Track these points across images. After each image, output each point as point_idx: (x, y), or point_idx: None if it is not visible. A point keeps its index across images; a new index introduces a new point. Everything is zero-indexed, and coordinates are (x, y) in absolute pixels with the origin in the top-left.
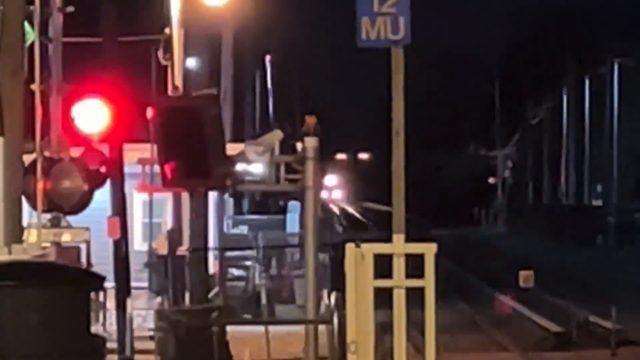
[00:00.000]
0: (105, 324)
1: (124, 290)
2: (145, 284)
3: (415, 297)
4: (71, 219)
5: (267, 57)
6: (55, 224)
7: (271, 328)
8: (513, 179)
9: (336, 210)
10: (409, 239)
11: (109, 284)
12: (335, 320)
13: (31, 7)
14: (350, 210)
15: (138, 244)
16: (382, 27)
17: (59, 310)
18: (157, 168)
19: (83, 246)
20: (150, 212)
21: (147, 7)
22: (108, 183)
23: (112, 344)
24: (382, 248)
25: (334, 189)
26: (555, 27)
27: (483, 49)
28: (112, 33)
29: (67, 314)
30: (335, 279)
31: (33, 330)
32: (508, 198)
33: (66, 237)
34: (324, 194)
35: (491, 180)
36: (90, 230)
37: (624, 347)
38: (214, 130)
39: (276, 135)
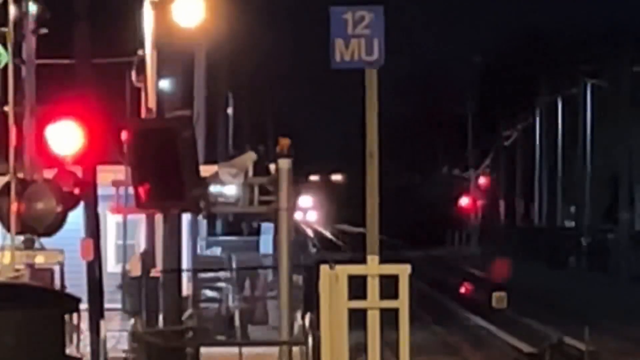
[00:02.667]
0: (79, 346)
1: (97, 312)
2: (119, 305)
3: (389, 318)
4: (45, 240)
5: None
6: (28, 246)
7: (245, 349)
8: (486, 200)
9: (310, 232)
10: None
11: (83, 305)
12: (310, 341)
13: (4, 29)
14: (324, 232)
15: (111, 265)
16: (356, 48)
17: (35, 332)
18: (130, 190)
19: (56, 268)
20: (125, 233)
21: (120, 29)
22: (81, 205)
23: None
24: (357, 269)
25: (308, 210)
26: (528, 49)
27: (456, 71)
28: (85, 55)
29: (42, 335)
30: (308, 300)
31: (9, 351)
32: (481, 219)
33: (40, 259)
34: (298, 216)
35: (464, 201)
36: (64, 252)
37: None
38: (188, 152)
39: (249, 157)
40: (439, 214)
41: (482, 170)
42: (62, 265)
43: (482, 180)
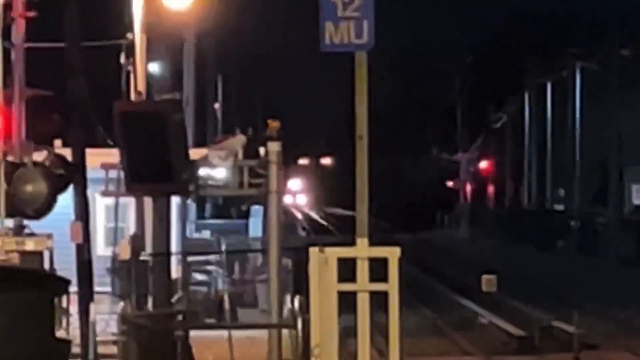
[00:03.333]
0: (68, 329)
1: (87, 295)
2: (109, 289)
3: (379, 301)
4: (34, 223)
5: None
6: (18, 232)
7: (234, 332)
8: (475, 183)
9: (299, 215)
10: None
11: (72, 288)
12: (299, 324)
13: None
14: (314, 215)
15: (101, 248)
16: (345, 31)
17: (24, 314)
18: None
19: (46, 251)
20: (116, 216)
21: (110, 12)
22: (71, 188)
23: (75, 349)
24: (346, 252)
25: (298, 194)
26: (518, 31)
27: (446, 54)
28: (75, 39)
29: (32, 317)
30: (298, 283)
31: None
32: (470, 202)
33: (29, 246)
34: (288, 199)
35: (450, 184)
36: (53, 238)
37: (586, 351)
38: (177, 135)
39: (239, 140)
40: (428, 197)
41: (472, 153)
42: (51, 250)
43: (472, 164)
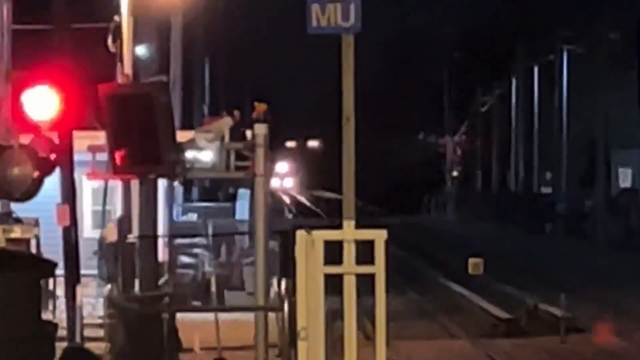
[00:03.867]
0: (54, 312)
1: (73, 278)
2: (95, 272)
3: (365, 285)
4: (20, 206)
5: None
6: (4, 220)
7: (221, 315)
8: (462, 166)
9: (286, 198)
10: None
11: (59, 271)
12: (286, 307)
13: None
14: (301, 198)
15: (88, 231)
16: (332, 13)
17: (10, 296)
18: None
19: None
20: (105, 199)
21: None
22: (58, 170)
23: (61, 332)
24: (333, 235)
25: (285, 177)
26: (505, 14)
27: (433, 36)
28: (63, 20)
29: (18, 299)
30: (285, 266)
31: None
32: (457, 186)
33: (16, 234)
34: (275, 182)
35: (437, 167)
36: (39, 224)
37: (573, 334)
38: (164, 118)
39: (225, 123)
40: (416, 180)
41: (459, 137)
42: (37, 236)
43: (458, 147)
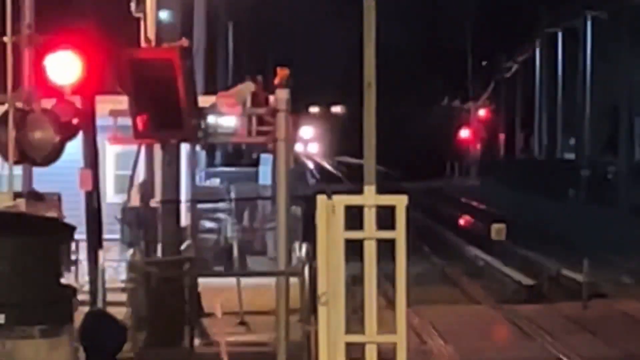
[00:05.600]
0: (77, 276)
1: (95, 242)
2: (118, 236)
3: (388, 250)
4: (42, 170)
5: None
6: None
7: (243, 280)
8: (485, 132)
9: (310, 163)
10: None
11: (81, 236)
12: (306, 272)
13: None
14: (324, 163)
15: (110, 196)
16: None
17: (29, 260)
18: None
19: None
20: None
21: None
22: (80, 135)
23: (84, 296)
24: (353, 200)
25: (309, 142)
26: None
27: (456, 1)
28: None
29: (37, 263)
30: (307, 231)
31: (5, 278)
32: (481, 151)
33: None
34: (299, 147)
35: (461, 132)
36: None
37: (594, 300)
38: (186, 82)
39: (248, 87)
40: (438, 146)
41: (483, 102)
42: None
43: (482, 113)
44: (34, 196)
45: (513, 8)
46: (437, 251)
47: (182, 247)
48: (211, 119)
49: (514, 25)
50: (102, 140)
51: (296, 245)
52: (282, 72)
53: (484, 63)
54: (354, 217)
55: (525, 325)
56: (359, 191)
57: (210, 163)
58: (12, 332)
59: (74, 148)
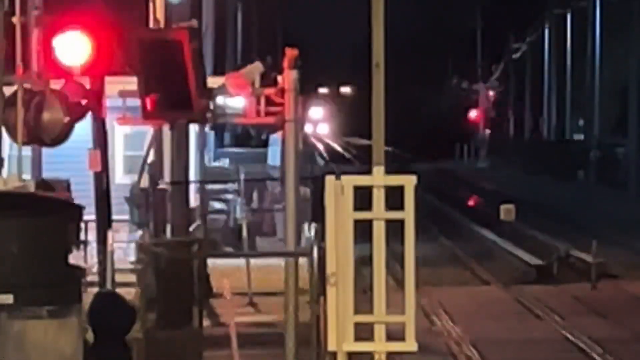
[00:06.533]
0: (86, 257)
1: (105, 223)
2: (127, 217)
3: (397, 231)
4: (51, 151)
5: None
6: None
7: (252, 261)
8: (495, 113)
9: (319, 144)
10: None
11: (90, 217)
12: (315, 252)
13: None
14: (333, 144)
15: (119, 177)
16: None
17: (37, 240)
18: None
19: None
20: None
21: None
22: (89, 116)
23: (93, 277)
24: (362, 180)
25: (319, 123)
26: None
27: None
28: None
29: (45, 243)
30: (316, 212)
31: (13, 258)
32: (490, 132)
33: None
34: (308, 128)
35: (471, 113)
36: (71, 187)
37: (604, 280)
38: (194, 63)
39: (256, 68)
40: (448, 127)
41: (491, 83)
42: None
43: (491, 94)
44: (43, 186)
45: None
46: (446, 232)
47: (191, 228)
48: (220, 100)
49: (523, 6)
50: (111, 121)
51: (305, 226)
52: (291, 53)
53: (493, 44)
54: (363, 198)
55: (534, 305)
56: (368, 172)
57: (220, 144)
58: (21, 313)
59: (83, 129)
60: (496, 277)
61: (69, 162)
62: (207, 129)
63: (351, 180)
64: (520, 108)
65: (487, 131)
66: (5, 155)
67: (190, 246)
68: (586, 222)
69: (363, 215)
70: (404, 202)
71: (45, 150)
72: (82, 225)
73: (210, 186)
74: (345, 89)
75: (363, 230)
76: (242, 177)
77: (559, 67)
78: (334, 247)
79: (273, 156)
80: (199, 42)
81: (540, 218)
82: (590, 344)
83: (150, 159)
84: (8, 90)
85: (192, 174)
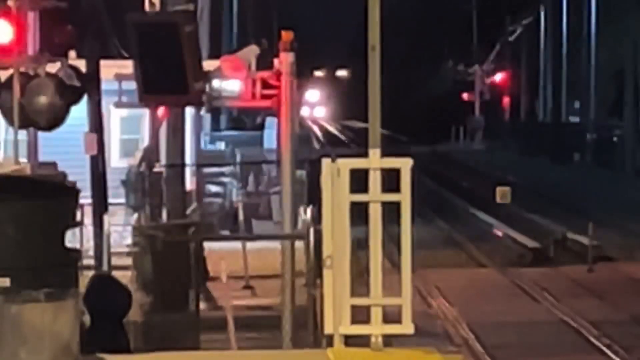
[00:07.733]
0: (82, 241)
1: (101, 206)
2: (123, 200)
3: (393, 214)
4: (48, 135)
5: None
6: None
7: (248, 244)
8: (490, 96)
9: (315, 127)
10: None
11: (86, 200)
12: (312, 235)
13: None
14: (330, 127)
15: (115, 160)
16: None
17: (33, 223)
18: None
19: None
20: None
21: None
22: (85, 99)
23: (89, 261)
24: (358, 163)
25: (315, 106)
26: None
27: None
28: None
29: (41, 226)
30: (312, 195)
31: (9, 241)
32: (485, 115)
33: None
34: (305, 111)
35: (466, 96)
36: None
37: (600, 263)
38: (190, 46)
39: (252, 51)
40: (444, 110)
41: (487, 66)
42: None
43: (487, 76)
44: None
45: None
46: (442, 215)
47: (188, 211)
48: (216, 83)
49: None
50: (107, 104)
51: (301, 209)
52: (287, 36)
53: (488, 26)
54: (360, 181)
55: (531, 288)
56: (365, 155)
57: (215, 127)
58: (18, 296)
59: (79, 112)
60: (493, 260)
61: (65, 145)
62: (203, 112)
63: (347, 163)
64: (517, 90)
65: (483, 113)
66: (1, 139)
67: (186, 229)
68: (582, 204)
69: (359, 197)
70: (400, 184)
71: (41, 134)
72: (79, 208)
73: (206, 169)
74: (342, 72)
75: (359, 213)
76: (238, 160)
77: (554, 49)
78: (330, 229)
79: (269, 139)
80: (194, 25)
81: (537, 200)
82: (587, 326)
83: (145, 142)
84: (4, 74)
85: (188, 157)
